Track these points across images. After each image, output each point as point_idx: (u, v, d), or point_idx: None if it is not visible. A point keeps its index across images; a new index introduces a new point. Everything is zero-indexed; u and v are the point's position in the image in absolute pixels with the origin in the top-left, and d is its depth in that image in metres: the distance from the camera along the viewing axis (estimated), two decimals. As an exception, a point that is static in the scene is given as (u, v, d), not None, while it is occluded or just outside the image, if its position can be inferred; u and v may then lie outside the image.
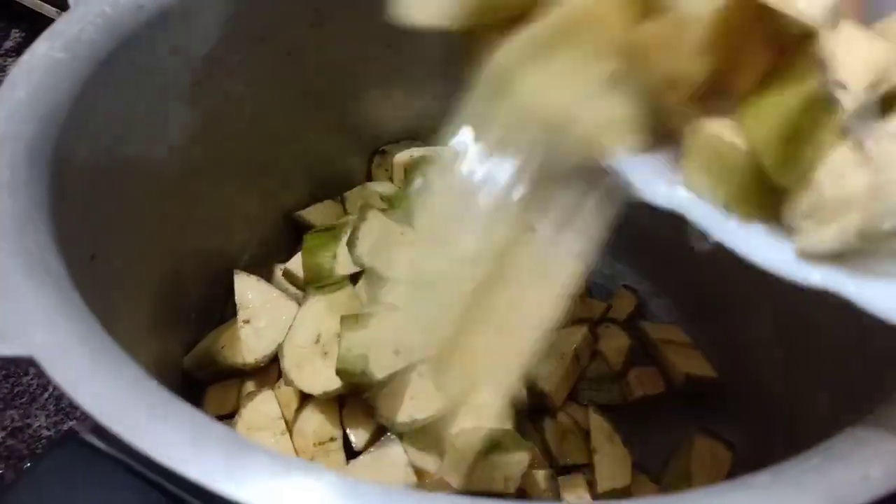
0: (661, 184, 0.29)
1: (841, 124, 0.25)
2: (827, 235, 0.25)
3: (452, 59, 0.55)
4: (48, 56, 0.37)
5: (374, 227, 0.49)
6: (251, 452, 0.24)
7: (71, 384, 0.25)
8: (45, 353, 0.26)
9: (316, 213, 0.56)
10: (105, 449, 0.27)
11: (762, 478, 0.26)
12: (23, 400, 0.54)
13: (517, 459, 0.42)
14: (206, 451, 0.24)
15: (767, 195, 0.27)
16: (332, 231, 0.50)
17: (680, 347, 0.55)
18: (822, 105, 0.25)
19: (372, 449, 0.44)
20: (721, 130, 0.27)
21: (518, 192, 0.31)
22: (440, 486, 0.42)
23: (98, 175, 0.38)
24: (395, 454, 0.43)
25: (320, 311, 0.46)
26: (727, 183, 0.27)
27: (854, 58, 0.25)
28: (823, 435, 0.28)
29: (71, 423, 0.53)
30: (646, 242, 0.59)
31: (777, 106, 0.26)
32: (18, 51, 0.76)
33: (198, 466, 0.23)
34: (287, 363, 0.45)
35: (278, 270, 0.54)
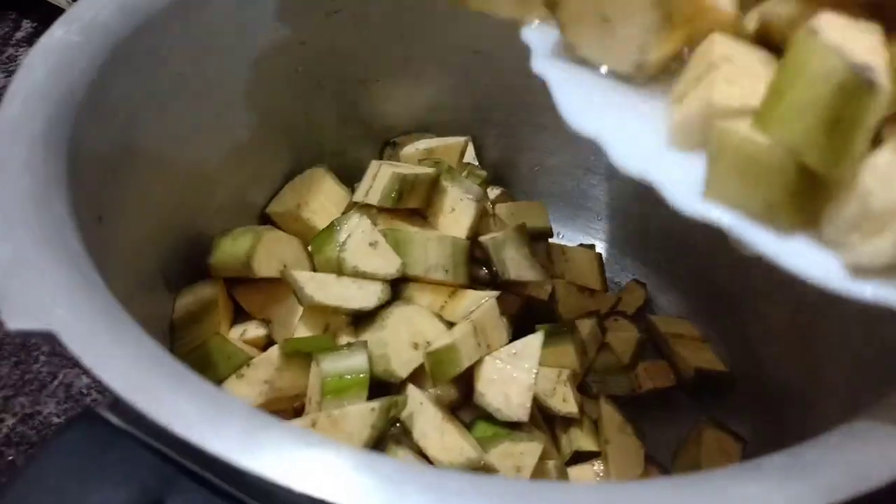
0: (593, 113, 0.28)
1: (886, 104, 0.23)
2: (885, 247, 0.23)
3: (464, 51, 0.55)
4: (65, 39, 0.37)
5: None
6: (270, 426, 0.24)
7: (91, 358, 0.25)
8: (66, 328, 0.26)
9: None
10: (122, 425, 0.27)
11: (779, 459, 0.26)
12: (32, 387, 0.54)
13: (529, 449, 0.42)
14: (226, 425, 0.24)
15: (810, 200, 0.25)
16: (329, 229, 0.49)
17: (690, 341, 0.55)
18: (859, 86, 0.23)
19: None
20: (752, 133, 0.25)
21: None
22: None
23: (112, 159, 0.38)
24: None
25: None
26: (767, 188, 0.25)
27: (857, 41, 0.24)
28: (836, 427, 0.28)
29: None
30: (655, 236, 0.59)
31: (807, 98, 0.24)
32: (30, 41, 0.77)
33: (217, 440, 0.24)
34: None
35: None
